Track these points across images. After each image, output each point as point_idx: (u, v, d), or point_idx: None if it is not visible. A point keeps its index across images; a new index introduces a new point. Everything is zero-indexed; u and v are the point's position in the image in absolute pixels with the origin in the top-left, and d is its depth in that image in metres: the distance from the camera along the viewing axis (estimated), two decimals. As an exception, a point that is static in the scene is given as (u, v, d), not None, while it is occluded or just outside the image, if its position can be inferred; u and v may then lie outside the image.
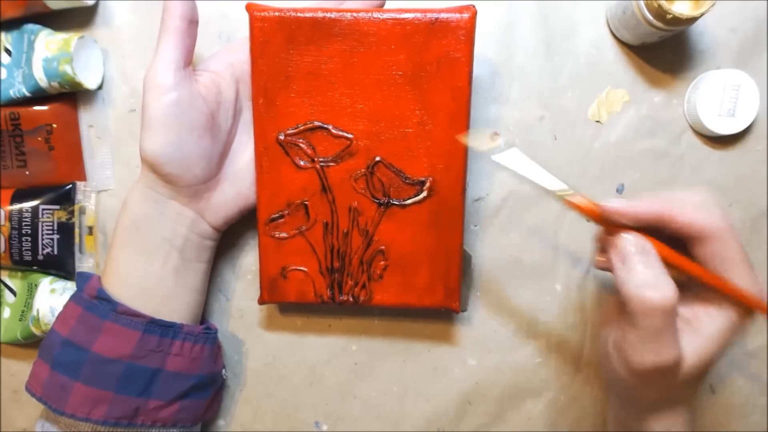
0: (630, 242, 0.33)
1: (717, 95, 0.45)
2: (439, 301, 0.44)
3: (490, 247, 0.48)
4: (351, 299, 0.44)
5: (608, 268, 0.35)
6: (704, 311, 0.34)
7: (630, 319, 0.32)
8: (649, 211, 0.33)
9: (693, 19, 0.40)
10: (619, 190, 0.47)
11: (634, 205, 0.33)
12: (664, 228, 0.33)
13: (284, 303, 0.47)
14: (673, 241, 0.34)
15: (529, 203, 0.48)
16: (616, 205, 0.33)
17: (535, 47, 0.47)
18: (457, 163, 0.41)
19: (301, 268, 0.44)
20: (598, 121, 0.47)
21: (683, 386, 0.34)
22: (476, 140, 0.38)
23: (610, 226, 0.34)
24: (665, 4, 0.39)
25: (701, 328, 0.33)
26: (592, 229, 0.48)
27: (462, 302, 0.44)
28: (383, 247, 0.43)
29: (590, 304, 0.48)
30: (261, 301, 0.45)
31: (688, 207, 0.33)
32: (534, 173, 0.34)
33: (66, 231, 0.47)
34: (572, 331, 0.49)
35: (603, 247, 0.35)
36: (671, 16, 0.39)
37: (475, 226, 0.48)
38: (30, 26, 0.45)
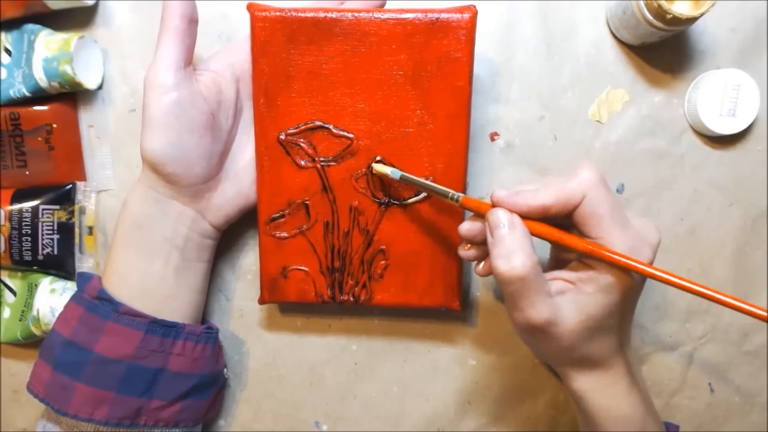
0: (497, 215, 0.34)
1: (717, 95, 0.45)
2: (439, 301, 0.44)
3: (491, 246, 0.48)
4: (351, 299, 0.44)
5: (471, 258, 0.38)
6: (585, 274, 0.35)
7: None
8: (531, 204, 0.34)
9: (693, 19, 0.40)
10: (619, 190, 0.47)
11: (516, 197, 0.34)
12: (552, 215, 0.35)
13: (284, 303, 0.47)
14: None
15: (529, 203, 0.48)
16: (502, 195, 0.35)
17: (535, 47, 0.47)
18: (458, 162, 0.41)
19: (302, 267, 0.44)
20: (598, 121, 0.47)
21: (583, 343, 0.35)
22: (380, 168, 0.41)
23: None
24: (665, 4, 0.39)
25: (582, 288, 0.35)
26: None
27: (462, 302, 0.44)
28: (384, 246, 0.43)
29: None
30: (261, 301, 0.45)
31: (558, 182, 0.34)
32: (430, 184, 0.38)
33: (66, 231, 0.47)
34: (572, 330, 0.49)
35: (469, 237, 0.37)
36: (671, 16, 0.39)
37: (476, 226, 0.48)
38: (30, 26, 0.45)
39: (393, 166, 0.41)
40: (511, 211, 0.34)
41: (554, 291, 0.35)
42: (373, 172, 0.41)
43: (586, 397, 0.38)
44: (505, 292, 0.34)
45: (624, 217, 0.34)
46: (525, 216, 0.34)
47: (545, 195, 0.34)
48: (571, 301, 0.35)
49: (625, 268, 0.33)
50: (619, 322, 0.36)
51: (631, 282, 0.34)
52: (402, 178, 0.39)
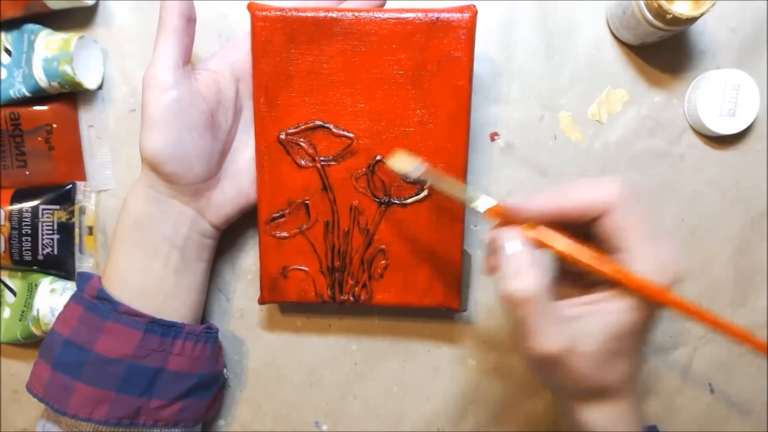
0: (499, 236, 0.32)
1: (717, 95, 0.45)
2: (439, 301, 0.44)
3: (491, 246, 0.48)
4: (351, 299, 0.44)
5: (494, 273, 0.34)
6: (610, 292, 0.32)
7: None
8: (548, 204, 0.31)
9: (693, 19, 0.40)
10: (619, 190, 0.47)
11: (531, 201, 0.32)
12: (569, 219, 0.32)
13: (284, 303, 0.47)
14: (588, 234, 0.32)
15: (529, 203, 0.48)
16: (516, 203, 0.32)
17: (535, 47, 0.47)
18: (458, 162, 0.41)
19: (302, 267, 0.44)
20: (598, 121, 0.47)
21: (600, 370, 0.32)
22: (398, 163, 0.38)
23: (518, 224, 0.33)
24: (665, 4, 0.39)
25: (607, 306, 0.31)
26: (592, 228, 0.48)
27: (462, 302, 0.44)
28: (384, 246, 0.43)
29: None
30: (261, 301, 0.45)
31: (582, 187, 0.31)
32: (449, 184, 0.36)
33: (66, 231, 0.47)
34: (572, 330, 0.49)
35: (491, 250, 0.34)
36: (671, 16, 0.39)
37: (475, 226, 0.48)
38: (30, 26, 0.45)
39: (392, 182, 0.40)
40: (525, 215, 0.32)
41: (569, 315, 0.31)
42: (377, 162, 0.40)
43: (594, 427, 0.35)
44: (514, 318, 0.31)
45: (655, 228, 0.31)
46: (539, 221, 0.32)
47: (562, 200, 0.31)
48: (594, 323, 0.31)
49: (652, 297, 0.30)
50: (639, 344, 0.33)
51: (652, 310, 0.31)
52: (423, 176, 0.36)
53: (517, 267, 0.31)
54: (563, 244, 0.32)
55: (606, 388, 0.34)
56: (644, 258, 0.30)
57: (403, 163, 0.38)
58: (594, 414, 0.34)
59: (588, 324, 0.31)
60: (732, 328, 0.31)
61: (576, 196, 0.31)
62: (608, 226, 0.31)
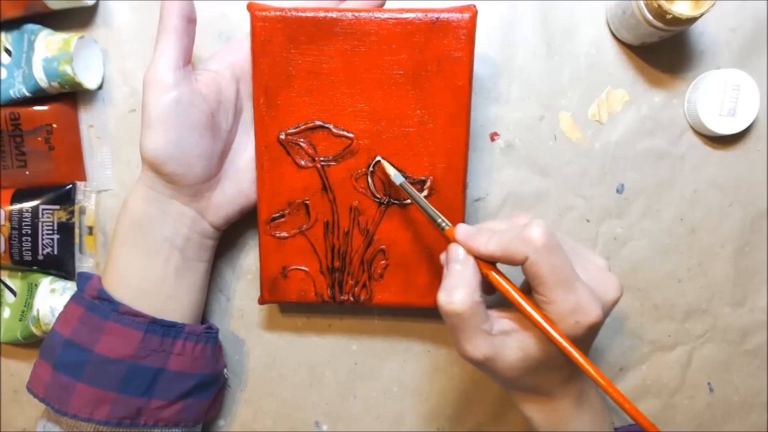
0: (454, 250, 0.35)
1: (717, 95, 0.45)
2: None
3: (491, 246, 0.48)
4: (352, 299, 0.44)
5: None
6: (525, 320, 0.35)
7: None
8: (485, 248, 0.34)
9: (693, 19, 0.40)
10: (619, 190, 0.48)
11: (473, 239, 0.35)
12: (501, 261, 0.35)
13: (284, 303, 0.47)
14: None
15: (528, 204, 0.48)
16: (463, 235, 0.35)
17: (536, 47, 0.47)
18: (458, 161, 0.41)
19: (302, 267, 0.44)
20: (598, 121, 0.47)
21: (525, 377, 0.36)
22: (388, 165, 0.41)
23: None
24: (665, 4, 0.39)
25: (530, 329, 0.35)
26: (591, 230, 0.48)
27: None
28: (384, 246, 0.43)
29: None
30: (261, 301, 0.45)
31: (508, 237, 0.34)
32: (424, 202, 0.38)
33: (66, 231, 0.47)
34: (572, 330, 0.49)
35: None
36: (671, 16, 0.39)
37: (476, 225, 0.48)
38: (30, 26, 0.45)
39: (399, 170, 0.41)
40: (467, 251, 0.35)
41: (498, 330, 0.35)
42: (379, 162, 0.41)
43: (532, 420, 0.38)
44: (447, 324, 0.35)
45: (570, 278, 0.33)
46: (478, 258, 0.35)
47: (494, 246, 0.34)
48: (515, 341, 0.35)
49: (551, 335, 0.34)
50: (561, 362, 0.35)
51: (579, 333, 0.34)
52: (401, 185, 0.39)
53: (454, 282, 0.34)
54: (495, 278, 0.35)
55: (533, 390, 0.37)
56: (554, 304, 0.33)
57: (390, 167, 0.40)
58: (527, 407, 0.38)
59: (509, 341, 0.35)
60: (620, 399, 0.33)
61: (502, 245, 0.34)
62: (528, 271, 0.33)
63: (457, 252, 0.35)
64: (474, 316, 0.34)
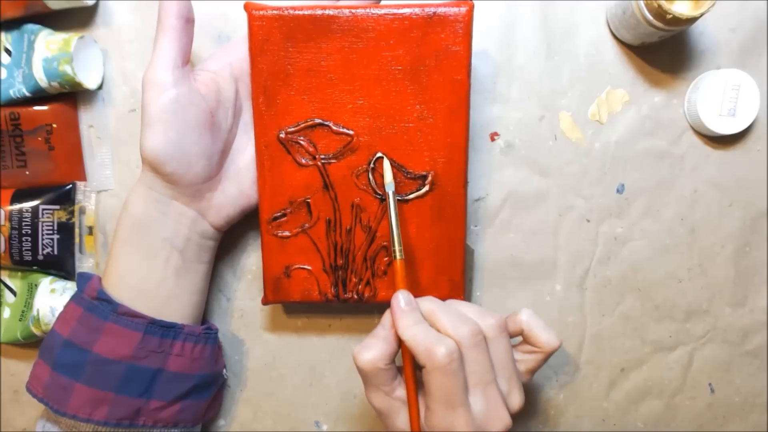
0: (386, 315, 0.38)
1: (717, 95, 0.45)
2: (444, 295, 0.43)
3: (490, 247, 0.48)
4: (356, 296, 0.44)
5: None
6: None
7: None
8: (401, 336, 0.36)
9: (693, 19, 0.40)
10: (619, 190, 0.47)
11: (397, 322, 0.37)
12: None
13: (285, 303, 0.47)
14: None
15: (528, 203, 0.48)
16: (394, 307, 0.37)
17: (535, 47, 0.47)
18: (458, 156, 0.41)
19: (305, 266, 0.43)
20: (598, 121, 0.47)
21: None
22: (387, 169, 0.41)
23: None
24: (665, 4, 0.39)
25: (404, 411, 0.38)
26: (591, 230, 0.48)
27: (465, 297, 0.44)
28: (386, 243, 0.43)
29: (590, 304, 0.48)
30: (265, 302, 0.45)
31: (422, 339, 0.35)
32: (394, 227, 0.40)
33: (66, 231, 0.47)
34: (572, 330, 0.49)
35: None
36: (671, 16, 0.39)
37: (476, 226, 0.48)
38: (30, 26, 0.45)
39: (397, 168, 0.41)
40: (392, 321, 0.37)
41: (398, 396, 0.38)
42: (380, 159, 0.41)
43: None
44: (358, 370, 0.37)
45: (455, 402, 0.35)
46: None
47: (408, 336, 0.36)
48: (401, 412, 0.38)
49: None
50: None
51: None
52: (388, 193, 0.40)
53: (370, 343, 0.37)
54: (406, 355, 0.38)
55: None
56: (432, 413, 0.36)
57: (388, 172, 0.41)
58: None
59: (403, 410, 0.38)
60: None
61: (415, 343, 0.35)
62: (423, 377, 0.36)
63: (387, 318, 0.38)
64: (375, 377, 0.37)
